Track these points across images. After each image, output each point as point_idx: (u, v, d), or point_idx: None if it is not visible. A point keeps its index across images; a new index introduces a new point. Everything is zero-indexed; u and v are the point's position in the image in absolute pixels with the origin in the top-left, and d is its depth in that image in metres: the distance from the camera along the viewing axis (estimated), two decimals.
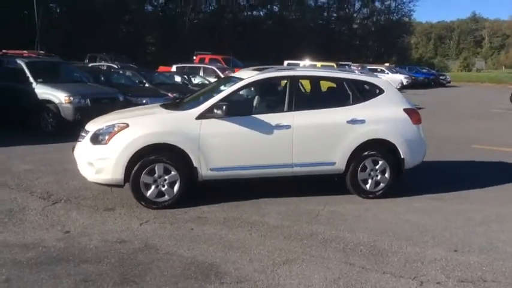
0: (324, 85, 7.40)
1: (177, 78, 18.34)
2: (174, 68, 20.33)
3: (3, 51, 24.61)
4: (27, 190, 6.54)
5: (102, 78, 14.89)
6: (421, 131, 6.84)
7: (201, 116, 5.99)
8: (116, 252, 4.58)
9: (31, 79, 11.21)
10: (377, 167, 6.55)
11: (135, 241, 4.88)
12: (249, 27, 55.94)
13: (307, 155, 6.31)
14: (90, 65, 22.58)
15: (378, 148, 6.56)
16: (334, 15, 70.67)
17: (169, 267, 4.29)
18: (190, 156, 5.91)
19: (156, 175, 5.85)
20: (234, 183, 6.46)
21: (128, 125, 5.84)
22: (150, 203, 5.86)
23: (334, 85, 7.04)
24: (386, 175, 6.59)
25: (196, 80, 18.47)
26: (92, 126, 6.10)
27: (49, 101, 10.86)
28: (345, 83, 6.68)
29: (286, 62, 21.24)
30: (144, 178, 5.81)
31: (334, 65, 20.42)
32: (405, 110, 6.70)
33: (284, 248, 4.82)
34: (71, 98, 10.72)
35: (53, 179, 7.07)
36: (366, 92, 6.66)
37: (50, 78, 11.58)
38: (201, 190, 6.34)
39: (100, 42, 41.56)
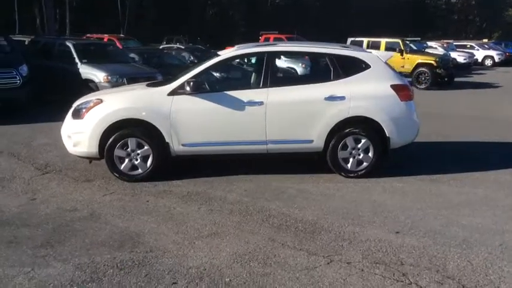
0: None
1: None
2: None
3: (87, 35, 26.43)
4: (31, 161, 7.11)
5: (157, 59, 15.55)
6: (411, 109, 6.45)
7: (172, 92, 6.12)
8: (59, 219, 4.90)
9: (77, 60, 12.04)
10: (359, 145, 6.30)
11: (84, 210, 5.17)
12: (334, 4, 54.63)
13: (281, 132, 6.22)
14: (161, 47, 23.55)
15: (361, 126, 6.29)
16: None
17: (95, 235, 4.52)
18: (162, 131, 6.08)
19: (129, 149, 6.10)
20: (221, 159, 6.59)
21: (102, 101, 6.14)
22: (124, 176, 6.14)
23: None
24: (369, 154, 6.32)
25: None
26: (76, 102, 6.48)
27: (91, 80, 11.58)
28: (326, 58, 6.45)
29: (349, 40, 20.61)
30: (118, 152, 6.08)
31: (400, 42, 19.50)
32: (393, 86, 6.33)
33: (220, 223, 4.86)
34: (109, 77, 11.36)
35: (59, 153, 7.53)
36: (349, 68, 6.36)
37: (94, 58, 12.33)
38: (191, 164, 6.60)
39: (186, 24, 43.01)
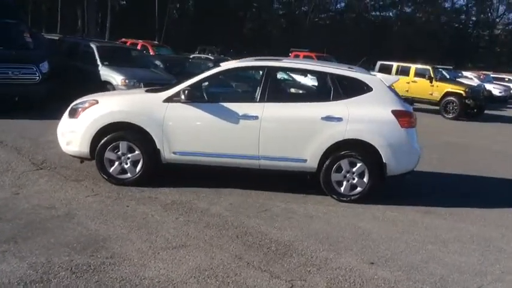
0: None
1: None
2: None
3: (122, 39, 27.00)
4: (30, 156, 7.16)
5: (180, 67, 15.73)
6: (411, 136, 6.21)
7: (168, 100, 6.07)
8: (34, 216, 4.87)
9: (98, 61, 12.22)
10: (354, 169, 6.10)
11: (62, 209, 5.14)
12: (376, 28, 54.44)
13: (275, 148, 6.08)
14: (191, 56, 23.80)
15: (357, 149, 6.09)
16: (473, 18, 65.60)
17: (62, 235, 4.46)
18: (154, 137, 6.03)
19: (120, 152, 6.07)
20: (211, 170, 6.48)
21: (97, 102, 6.14)
22: (112, 179, 6.10)
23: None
24: (364, 179, 6.11)
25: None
26: (74, 102, 6.51)
27: (109, 82, 11.73)
28: (326, 78, 6.29)
29: (379, 63, 20.31)
30: (108, 154, 6.06)
31: (430, 69, 19.07)
32: (394, 112, 6.11)
33: (192, 235, 4.74)
34: (126, 81, 11.49)
35: (60, 150, 7.57)
36: (350, 89, 6.18)
37: (115, 61, 12.49)
38: (185, 172, 6.48)
39: (224, 36, 43.49)
